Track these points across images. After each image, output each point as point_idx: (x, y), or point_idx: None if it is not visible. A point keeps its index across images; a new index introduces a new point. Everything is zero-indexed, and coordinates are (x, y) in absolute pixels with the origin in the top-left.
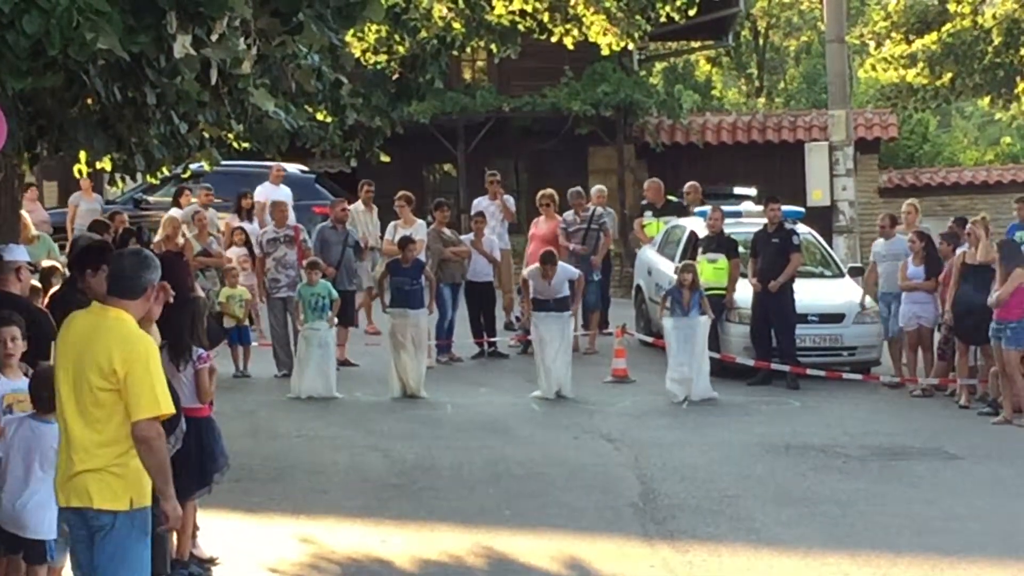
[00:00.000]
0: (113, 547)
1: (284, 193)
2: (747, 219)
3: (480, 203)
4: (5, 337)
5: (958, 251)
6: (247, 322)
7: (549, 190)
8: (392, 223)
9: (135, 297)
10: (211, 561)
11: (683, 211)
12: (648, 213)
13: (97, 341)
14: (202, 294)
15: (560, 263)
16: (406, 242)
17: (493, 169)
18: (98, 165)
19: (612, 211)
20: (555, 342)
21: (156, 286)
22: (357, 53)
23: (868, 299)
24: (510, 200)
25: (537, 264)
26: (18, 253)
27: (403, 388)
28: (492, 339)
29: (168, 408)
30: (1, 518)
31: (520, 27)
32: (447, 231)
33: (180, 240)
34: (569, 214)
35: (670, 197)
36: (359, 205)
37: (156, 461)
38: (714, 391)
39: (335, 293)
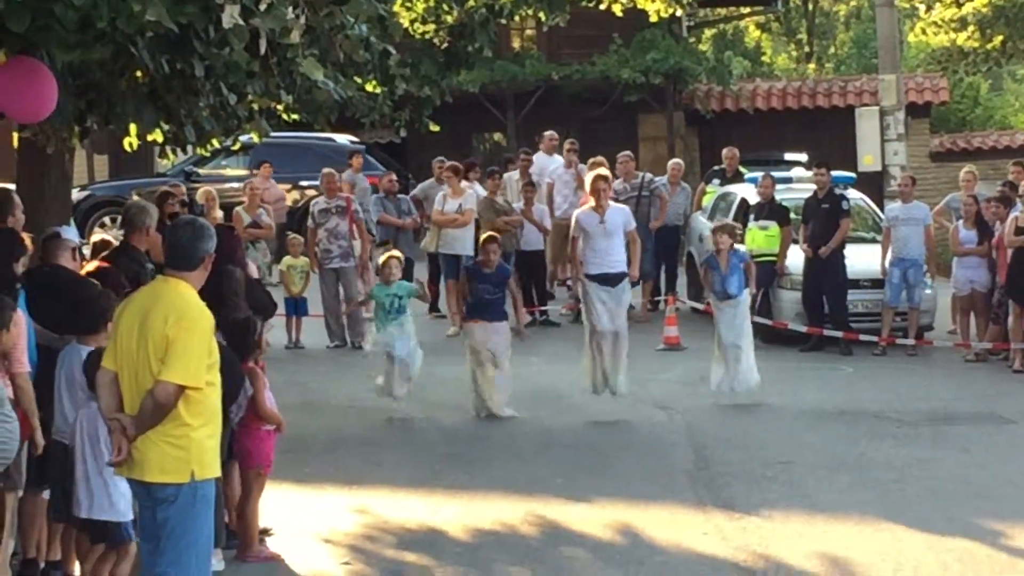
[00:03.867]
0: (177, 518)
1: (557, 162)
2: (798, 185)
3: (547, 166)
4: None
5: (1012, 214)
6: (304, 294)
7: (600, 158)
8: (440, 193)
9: (193, 268)
10: (265, 532)
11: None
12: (716, 181)
13: (155, 309)
14: (253, 267)
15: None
16: (489, 241)
17: (550, 132)
18: (148, 137)
19: (666, 180)
20: (608, 335)
21: (212, 255)
22: (405, 23)
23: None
24: (584, 169)
25: (587, 204)
26: (72, 233)
27: (485, 408)
28: (543, 308)
29: (196, 384)
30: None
31: None
32: (499, 200)
33: (218, 214)
34: (619, 183)
35: (740, 168)
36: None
37: (153, 420)
38: (756, 376)
39: (413, 288)
